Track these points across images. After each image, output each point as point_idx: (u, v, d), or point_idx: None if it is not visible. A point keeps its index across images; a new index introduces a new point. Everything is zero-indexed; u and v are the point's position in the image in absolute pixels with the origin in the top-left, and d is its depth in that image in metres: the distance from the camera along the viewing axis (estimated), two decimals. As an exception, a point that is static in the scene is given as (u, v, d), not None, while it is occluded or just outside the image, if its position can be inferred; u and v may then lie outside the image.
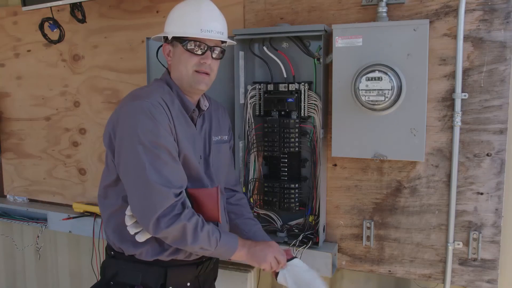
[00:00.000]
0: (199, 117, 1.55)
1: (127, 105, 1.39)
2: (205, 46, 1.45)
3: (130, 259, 1.46)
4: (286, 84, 1.90)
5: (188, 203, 1.40)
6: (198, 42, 1.44)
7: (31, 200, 2.80)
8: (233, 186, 1.75)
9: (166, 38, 1.50)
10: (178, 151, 1.41)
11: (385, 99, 1.64)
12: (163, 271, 1.45)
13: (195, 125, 1.52)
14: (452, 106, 1.72)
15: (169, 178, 1.34)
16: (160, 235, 1.34)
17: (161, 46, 1.54)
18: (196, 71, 1.45)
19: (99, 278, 1.55)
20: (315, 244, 1.88)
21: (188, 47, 1.43)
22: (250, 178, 1.99)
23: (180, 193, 1.36)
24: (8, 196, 2.84)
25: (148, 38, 2.05)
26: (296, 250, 1.87)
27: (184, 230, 1.34)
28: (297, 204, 1.93)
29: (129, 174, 1.36)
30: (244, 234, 1.63)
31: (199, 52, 1.44)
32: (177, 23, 1.46)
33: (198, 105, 1.55)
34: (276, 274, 1.54)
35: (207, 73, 1.47)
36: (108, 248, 1.53)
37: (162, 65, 1.58)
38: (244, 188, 1.96)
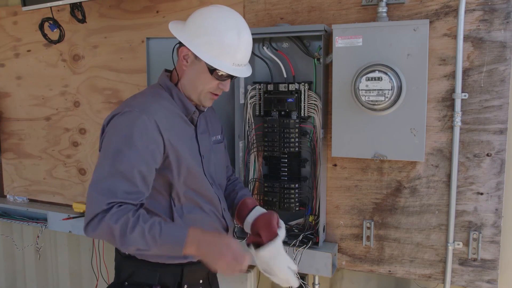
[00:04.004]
0: (199, 117, 1.55)
1: (117, 115, 1.37)
2: (229, 75, 1.43)
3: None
4: (286, 84, 1.90)
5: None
6: (226, 74, 1.42)
7: (31, 200, 2.80)
8: (229, 176, 1.76)
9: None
10: (177, 161, 1.39)
11: (385, 99, 1.64)
12: (179, 270, 1.45)
13: (196, 126, 1.53)
14: (452, 106, 1.72)
15: (115, 189, 1.28)
16: (93, 237, 1.34)
17: (178, 43, 1.46)
18: (211, 93, 1.46)
19: (114, 279, 1.53)
20: (315, 244, 1.88)
21: (214, 75, 1.41)
22: (250, 178, 1.99)
23: (116, 201, 1.29)
24: (8, 196, 2.84)
25: (148, 38, 2.05)
26: (296, 250, 1.87)
27: (111, 231, 1.26)
28: (297, 204, 1.93)
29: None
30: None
31: (222, 79, 1.43)
32: (210, 47, 1.38)
33: (196, 106, 1.55)
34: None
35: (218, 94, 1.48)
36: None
37: (174, 64, 1.51)
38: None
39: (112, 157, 1.31)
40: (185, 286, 1.47)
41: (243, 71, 1.46)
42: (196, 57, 1.41)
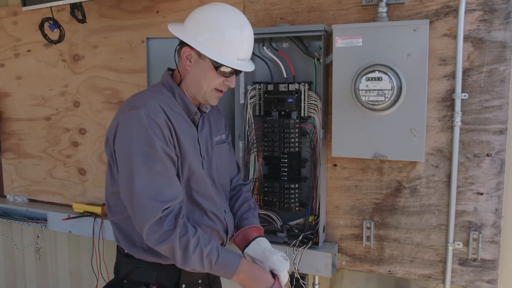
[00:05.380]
0: (200, 118, 1.55)
1: (123, 115, 1.36)
2: (235, 71, 1.44)
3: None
4: (286, 84, 1.90)
5: (182, 215, 1.36)
6: (230, 69, 1.42)
7: (31, 200, 2.80)
8: (234, 177, 1.75)
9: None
10: (180, 158, 1.40)
11: (385, 99, 1.64)
12: (177, 270, 1.45)
13: (197, 126, 1.52)
14: (452, 106, 1.72)
15: (161, 189, 1.32)
16: (155, 248, 1.34)
17: (179, 44, 1.46)
18: (216, 89, 1.46)
19: (113, 277, 1.54)
20: (315, 244, 1.88)
21: (220, 71, 1.42)
22: (250, 178, 1.99)
23: (170, 206, 1.33)
24: (8, 196, 2.84)
25: (148, 38, 2.05)
26: (296, 250, 1.87)
27: (173, 251, 1.31)
28: (297, 204, 1.93)
29: (122, 185, 1.35)
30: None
31: (227, 75, 1.44)
32: (214, 44, 1.38)
33: (198, 107, 1.55)
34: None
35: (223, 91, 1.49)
36: (121, 248, 1.52)
37: (176, 64, 1.52)
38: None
39: (141, 159, 1.30)
40: (183, 286, 1.47)
41: (248, 66, 1.47)
42: (200, 56, 1.41)
